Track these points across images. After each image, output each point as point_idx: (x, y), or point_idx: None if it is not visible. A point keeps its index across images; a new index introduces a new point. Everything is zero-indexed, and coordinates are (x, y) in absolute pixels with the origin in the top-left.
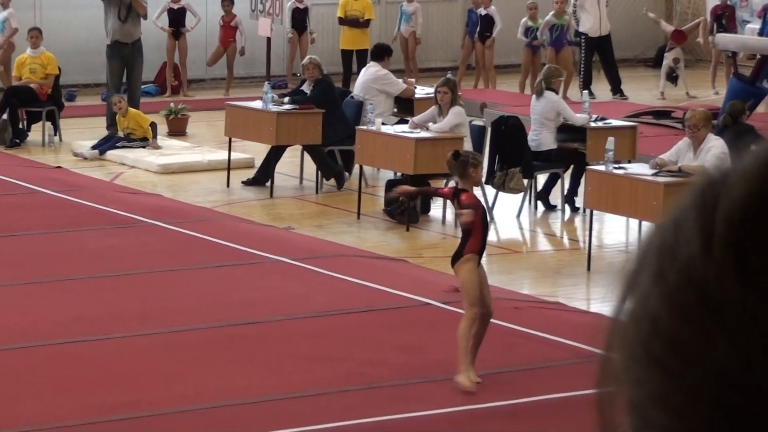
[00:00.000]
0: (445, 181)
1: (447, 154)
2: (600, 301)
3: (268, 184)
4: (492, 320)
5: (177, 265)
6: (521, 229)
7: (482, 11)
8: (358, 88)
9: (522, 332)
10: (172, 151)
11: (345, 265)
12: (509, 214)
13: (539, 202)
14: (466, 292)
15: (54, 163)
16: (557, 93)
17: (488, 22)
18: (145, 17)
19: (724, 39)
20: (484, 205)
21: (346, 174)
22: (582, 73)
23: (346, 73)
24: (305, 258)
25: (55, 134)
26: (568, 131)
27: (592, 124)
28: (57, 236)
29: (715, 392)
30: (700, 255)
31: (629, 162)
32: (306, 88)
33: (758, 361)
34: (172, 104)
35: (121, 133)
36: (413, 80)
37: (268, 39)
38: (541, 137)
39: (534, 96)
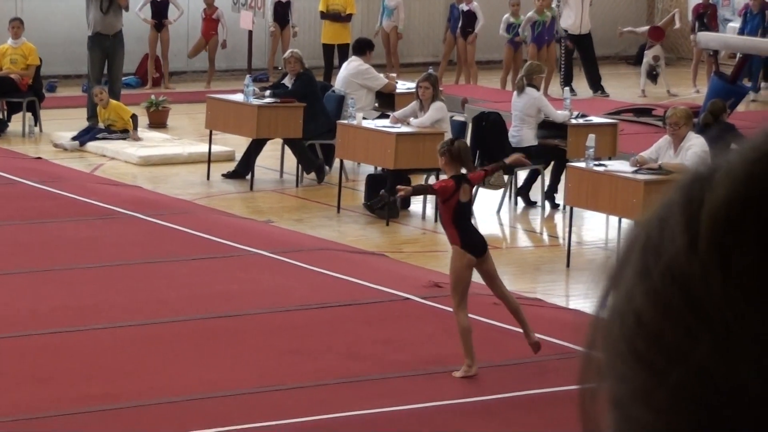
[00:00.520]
0: (425, 176)
1: (438, 145)
2: (579, 297)
3: (249, 177)
4: (470, 315)
5: (156, 257)
6: (501, 225)
7: (464, 7)
8: (339, 83)
9: (501, 328)
10: (153, 143)
11: (325, 259)
12: (489, 210)
13: (519, 199)
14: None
15: (34, 154)
16: (538, 89)
17: (470, 17)
18: (127, 9)
19: (705, 37)
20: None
21: (327, 168)
22: (563, 70)
23: (327, 68)
24: (285, 251)
25: (36, 125)
26: (549, 128)
27: (573, 121)
28: (36, 227)
29: (698, 391)
30: (685, 253)
31: (609, 159)
32: (287, 81)
33: (741, 360)
34: (153, 96)
35: (101, 125)
36: (395, 75)
37: (250, 32)
38: (521, 133)
39: (515, 92)
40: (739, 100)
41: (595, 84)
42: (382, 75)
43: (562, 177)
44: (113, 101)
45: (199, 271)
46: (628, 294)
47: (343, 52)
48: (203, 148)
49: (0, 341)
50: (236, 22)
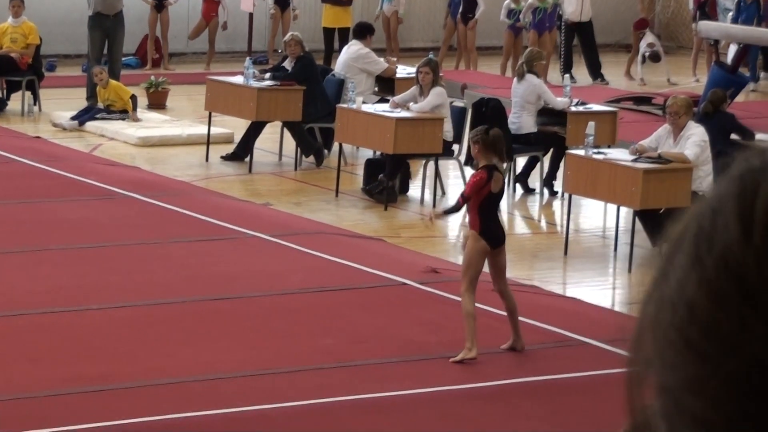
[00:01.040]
0: (424, 161)
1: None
2: (576, 285)
3: (247, 159)
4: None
5: (154, 238)
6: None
7: None
8: (339, 66)
9: (497, 315)
10: (152, 124)
11: (322, 242)
12: None
13: (518, 185)
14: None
15: (33, 133)
16: (539, 76)
17: (471, 3)
18: None
19: (706, 27)
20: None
21: (326, 151)
22: (563, 57)
23: (327, 51)
24: (282, 234)
25: (35, 104)
26: (549, 115)
27: (573, 109)
28: (34, 206)
29: (751, 380)
30: (739, 242)
31: (609, 147)
32: (287, 64)
33: None
34: (152, 77)
35: (100, 105)
36: (395, 59)
37: (251, 14)
38: (521, 120)
39: (515, 79)
40: (739, 90)
41: (595, 72)
42: (382, 59)
43: (561, 164)
44: (113, 81)
45: (197, 252)
46: (679, 283)
47: (344, 36)
48: (202, 129)
49: None
50: (237, 4)
